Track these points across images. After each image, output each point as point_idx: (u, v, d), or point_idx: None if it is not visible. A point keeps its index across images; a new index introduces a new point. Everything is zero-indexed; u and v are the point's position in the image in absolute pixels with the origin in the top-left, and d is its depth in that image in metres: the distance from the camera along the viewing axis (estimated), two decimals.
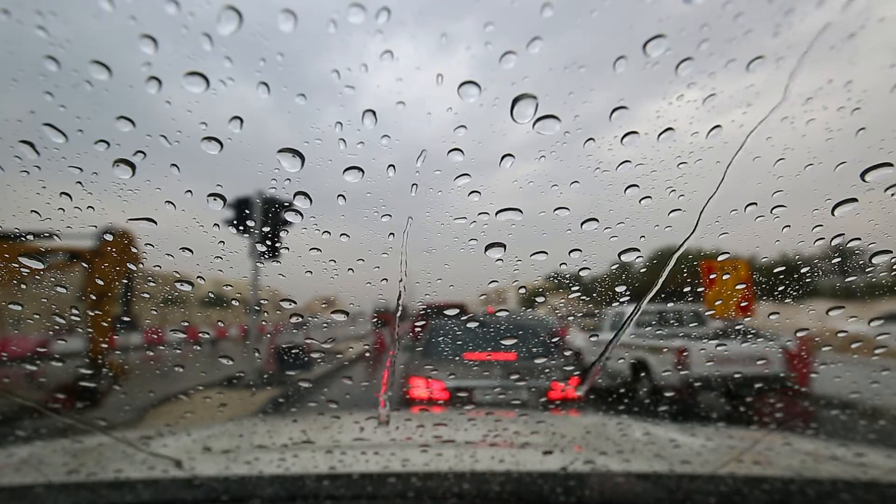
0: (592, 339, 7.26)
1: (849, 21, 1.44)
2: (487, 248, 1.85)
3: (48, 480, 1.04)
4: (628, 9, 1.56)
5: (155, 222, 1.71)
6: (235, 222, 2.30)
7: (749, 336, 5.24)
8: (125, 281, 5.38)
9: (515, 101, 1.43)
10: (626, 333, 6.49)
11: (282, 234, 2.80)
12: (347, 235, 2.12)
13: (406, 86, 1.64)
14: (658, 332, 6.45)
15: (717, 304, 3.24)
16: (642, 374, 6.16)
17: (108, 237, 3.57)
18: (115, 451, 1.24)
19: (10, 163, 1.43)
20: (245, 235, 2.48)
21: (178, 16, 1.29)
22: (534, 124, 1.56)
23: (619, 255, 1.86)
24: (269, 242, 2.76)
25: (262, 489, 0.97)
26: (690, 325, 6.58)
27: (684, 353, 5.62)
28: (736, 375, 4.30)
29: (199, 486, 0.97)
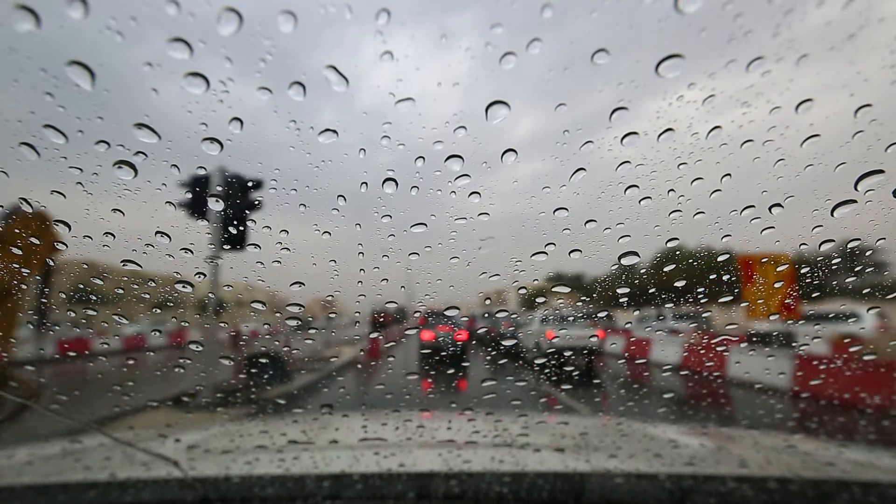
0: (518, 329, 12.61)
1: (849, 21, 1.44)
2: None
3: (48, 480, 1.04)
4: (628, 9, 1.56)
5: (164, 233, 1.71)
6: (192, 205, 1.94)
7: (583, 324, 10.50)
8: (39, 274, 3.53)
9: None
10: (536, 326, 11.50)
11: (249, 218, 2.34)
12: (347, 236, 2.12)
13: (405, 86, 1.65)
14: (546, 325, 11.39)
15: (758, 303, 2.97)
16: (537, 346, 10.57)
17: (17, 218, 2.66)
18: (115, 451, 1.24)
19: (12, 164, 1.43)
20: (204, 220, 2.15)
21: (178, 16, 1.30)
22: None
23: (620, 258, 1.86)
24: (233, 228, 2.35)
25: (262, 489, 0.97)
26: (566, 320, 11.34)
27: (552, 333, 10.47)
28: (574, 344, 9.23)
29: (199, 487, 0.97)
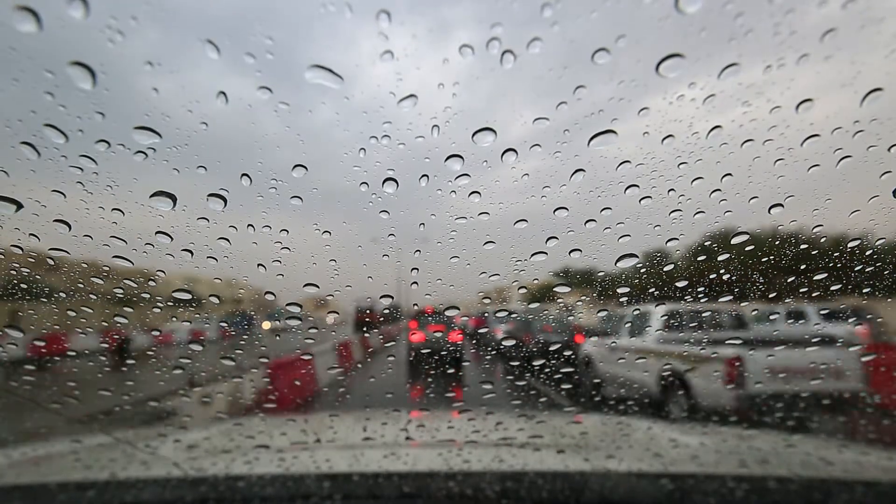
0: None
1: (848, 21, 1.44)
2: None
3: (48, 480, 1.04)
4: (628, 9, 1.56)
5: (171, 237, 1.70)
6: None
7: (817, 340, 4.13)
8: None
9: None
10: (652, 339, 5.43)
11: None
12: (347, 235, 2.12)
13: (405, 85, 1.65)
14: (696, 338, 4.97)
15: None
16: (679, 391, 4.75)
17: None
18: (114, 451, 1.25)
19: (12, 164, 1.43)
20: None
21: (178, 16, 1.29)
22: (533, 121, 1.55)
23: (616, 261, 1.86)
24: None
25: (262, 489, 0.97)
26: (734, 329, 5.14)
27: (737, 364, 4.12)
28: (803, 393, 3.18)
29: (199, 486, 0.97)
